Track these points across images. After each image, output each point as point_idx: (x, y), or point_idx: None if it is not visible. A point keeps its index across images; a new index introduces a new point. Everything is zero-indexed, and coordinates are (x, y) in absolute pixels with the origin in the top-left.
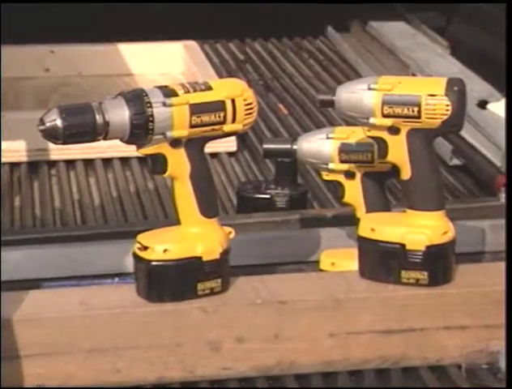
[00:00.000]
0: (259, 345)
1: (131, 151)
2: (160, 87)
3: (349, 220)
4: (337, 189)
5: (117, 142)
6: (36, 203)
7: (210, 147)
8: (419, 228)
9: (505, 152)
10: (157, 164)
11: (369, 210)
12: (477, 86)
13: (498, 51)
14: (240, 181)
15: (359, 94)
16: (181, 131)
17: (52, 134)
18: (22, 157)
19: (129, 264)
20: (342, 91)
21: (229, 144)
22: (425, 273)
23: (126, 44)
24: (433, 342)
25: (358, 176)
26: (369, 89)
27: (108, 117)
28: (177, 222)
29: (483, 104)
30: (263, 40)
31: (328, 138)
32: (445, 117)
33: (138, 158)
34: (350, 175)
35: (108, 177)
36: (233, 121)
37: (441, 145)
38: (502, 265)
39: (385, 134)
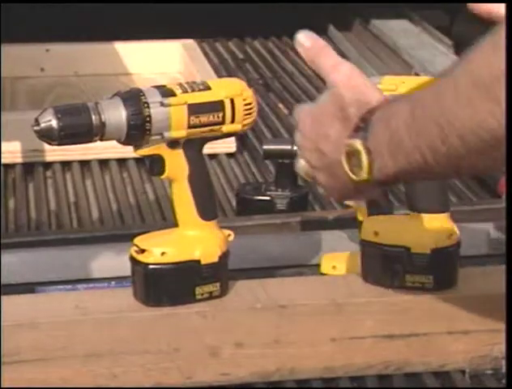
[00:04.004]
0: (259, 350)
1: (128, 152)
2: (158, 87)
3: (351, 223)
4: None
5: (113, 143)
6: (31, 205)
7: (209, 148)
8: (424, 231)
9: None
10: (155, 165)
11: (370, 212)
12: None
13: None
14: (239, 182)
15: None
16: (179, 132)
17: (47, 135)
18: (17, 158)
19: (126, 267)
20: None
21: (228, 145)
22: (431, 277)
23: (123, 42)
24: (436, 347)
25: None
26: None
27: (104, 117)
28: (175, 224)
29: None
30: (263, 38)
31: None
32: None
33: (136, 159)
34: None
35: (104, 179)
36: (232, 121)
37: None
38: None
39: None
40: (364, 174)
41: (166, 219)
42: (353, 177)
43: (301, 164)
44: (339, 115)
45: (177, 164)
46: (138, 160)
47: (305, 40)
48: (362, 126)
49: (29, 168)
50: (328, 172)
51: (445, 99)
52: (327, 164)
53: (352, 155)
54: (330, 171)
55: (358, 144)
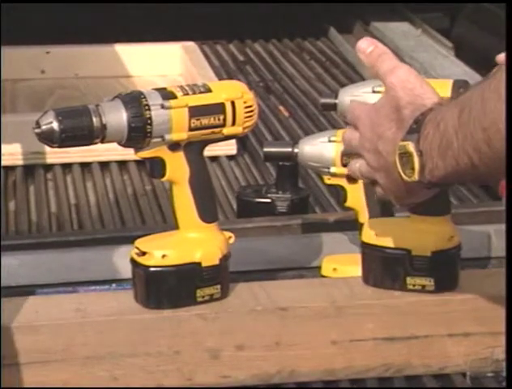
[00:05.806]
0: (260, 353)
1: (129, 154)
2: (159, 90)
3: (351, 225)
4: (339, 193)
5: (114, 145)
6: (32, 207)
7: (209, 151)
8: (424, 234)
9: None
10: (155, 167)
11: (371, 214)
12: None
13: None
14: (240, 185)
15: (362, 97)
16: (180, 134)
17: (48, 137)
18: (17, 160)
19: (126, 270)
20: (345, 93)
21: (229, 147)
22: (431, 279)
23: (124, 45)
24: (437, 349)
25: (360, 180)
26: (373, 92)
27: (105, 119)
28: (176, 227)
29: None
30: (264, 40)
31: (330, 141)
32: None
33: (136, 162)
34: (352, 179)
35: (105, 181)
36: (233, 123)
37: None
38: None
39: None
40: (415, 176)
41: (167, 221)
42: (405, 178)
43: (356, 166)
44: (395, 117)
45: (177, 167)
46: (139, 163)
47: (367, 45)
48: (415, 128)
49: (30, 170)
50: (385, 172)
51: (488, 102)
52: (384, 165)
53: (405, 156)
54: (387, 172)
55: (410, 146)
